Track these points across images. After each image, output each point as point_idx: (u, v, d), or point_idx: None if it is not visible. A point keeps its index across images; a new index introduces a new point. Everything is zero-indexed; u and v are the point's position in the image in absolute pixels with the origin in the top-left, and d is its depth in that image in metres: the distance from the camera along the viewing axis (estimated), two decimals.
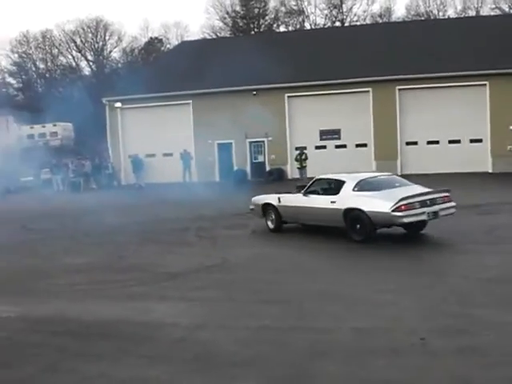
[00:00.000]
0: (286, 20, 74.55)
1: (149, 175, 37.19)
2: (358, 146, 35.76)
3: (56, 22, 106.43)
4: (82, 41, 76.74)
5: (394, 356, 7.05)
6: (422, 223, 14.63)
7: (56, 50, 77.91)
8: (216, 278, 11.62)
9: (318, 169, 26.07)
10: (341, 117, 35.32)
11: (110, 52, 78.35)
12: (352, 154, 35.29)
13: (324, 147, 36.25)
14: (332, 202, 14.93)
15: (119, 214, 23.04)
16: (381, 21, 68.75)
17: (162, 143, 38.01)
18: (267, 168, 36.82)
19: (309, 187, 16.29)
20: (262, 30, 72.22)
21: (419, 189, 14.83)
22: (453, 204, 14.58)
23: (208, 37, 69.62)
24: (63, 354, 7.80)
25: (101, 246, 16.41)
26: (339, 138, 36.11)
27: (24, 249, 16.53)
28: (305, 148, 33.60)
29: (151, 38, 78.47)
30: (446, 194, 14.59)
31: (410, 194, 14.06)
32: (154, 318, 9.12)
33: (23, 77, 78.92)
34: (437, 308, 8.82)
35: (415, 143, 34.92)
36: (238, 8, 74.04)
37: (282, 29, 72.83)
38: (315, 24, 72.26)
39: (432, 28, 40.11)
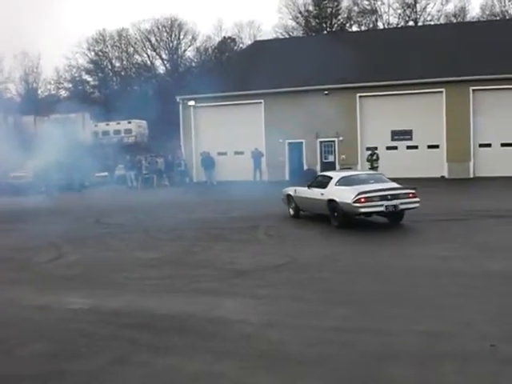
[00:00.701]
0: (359, 19, 73.93)
1: (220, 173, 37.59)
2: (429, 147, 35.24)
3: (132, 21, 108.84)
4: (156, 40, 77.95)
5: (463, 362, 6.93)
6: (399, 215, 17.46)
7: (131, 49, 79.43)
8: (284, 277, 11.64)
9: (389, 169, 25.85)
10: (413, 117, 34.89)
11: (184, 51, 79.33)
12: (423, 155, 34.84)
13: (395, 148, 35.87)
14: (321, 194, 18.18)
15: (190, 210, 23.47)
16: (455, 20, 67.36)
17: (234, 141, 38.36)
18: (337, 168, 36.69)
19: (312, 181, 19.80)
20: (334, 29, 71.77)
21: (386, 185, 17.48)
22: (416, 200, 17.05)
23: (280, 36, 69.66)
24: (133, 346, 7.92)
25: (172, 241, 16.70)
26: (411, 139, 35.65)
27: (98, 242, 16.92)
28: (376, 148, 33.32)
29: (224, 37, 79.05)
30: (412, 192, 17.12)
31: (371, 189, 16.90)
32: (223, 314, 9.21)
33: (99, 74, 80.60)
34: (508, 313, 8.67)
35: (489, 145, 34.18)
36: (310, 7, 73.88)
37: (355, 28, 72.25)
38: (388, 23, 71.39)
39: (507, 28, 39.12)
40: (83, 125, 56.00)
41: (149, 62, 79.57)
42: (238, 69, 40.41)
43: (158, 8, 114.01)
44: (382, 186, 17.30)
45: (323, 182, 18.67)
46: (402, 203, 16.75)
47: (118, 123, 58.47)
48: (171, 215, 22.17)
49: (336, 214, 17.40)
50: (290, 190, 20.72)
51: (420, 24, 67.66)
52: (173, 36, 77.50)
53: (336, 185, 17.84)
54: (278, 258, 13.46)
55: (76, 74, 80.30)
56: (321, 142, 37.53)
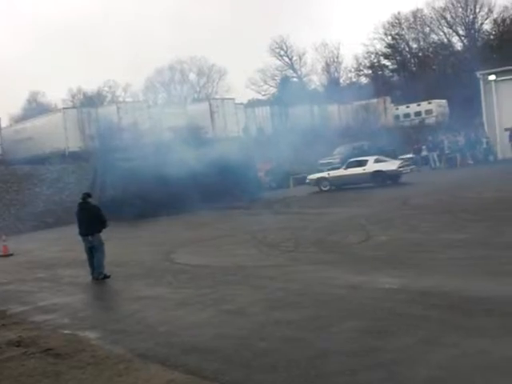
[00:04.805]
0: None
1: None
2: None
3: (426, 1, 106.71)
4: (452, 16, 75.85)
5: None
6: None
7: (427, 29, 78.32)
8: None
9: None
10: None
11: (481, 24, 75.98)
12: None
13: None
14: (364, 170, 29.37)
15: (496, 189, 22.61)
16: None
17: None
18: None
19: (347, 165, 30.63)
20: None
21: (401, 159, 32.55)
22: (411, 167, 31.22)
23: None
24: (443, 327, 7.93)
25: (478, 221, 16.29)
26: None
27: (405, 224, 17.19)
28: None
29: None
30: (407, 163, 31.38)
31: (400, 161, 30.90)
32: None
33: (397, 58, 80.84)
34: None
35: None
36: None
37: None
38: None
39: None
40: (385, 109, 56.98)
41: (445, 40, 77.83)
42: None
43: None
44: (401, 160, 31.99)
45: (360, 163, 29.96)
46: (410, 169, 30.77)
47: (419, 105, 58.44)
48: (476, 195, 21.63)
49: (380, 179, 28.90)
50: (323, 174, 31.75)
51: None
52: (468, 11, 74.78)
53: (374, 162, 29.56)
54: None
55: (375, 60, 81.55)
56: None
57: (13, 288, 15.03)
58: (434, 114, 57.21)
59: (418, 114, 58.08)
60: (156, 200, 25.94)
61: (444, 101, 58.12)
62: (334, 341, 7.94)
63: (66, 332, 10.00)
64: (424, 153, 39.19)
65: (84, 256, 14.90)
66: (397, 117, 59.11)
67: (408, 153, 40.68)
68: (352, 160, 31.03)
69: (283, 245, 16.08)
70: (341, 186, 30.35)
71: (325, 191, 30.67)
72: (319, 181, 31.27)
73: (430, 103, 57.73)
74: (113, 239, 20.63)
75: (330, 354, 7.49)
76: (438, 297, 9.34)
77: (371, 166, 29.42)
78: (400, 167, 29.52)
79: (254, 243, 16.95)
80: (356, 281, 10.94)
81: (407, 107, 59.46)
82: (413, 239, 14.77)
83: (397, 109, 59.83)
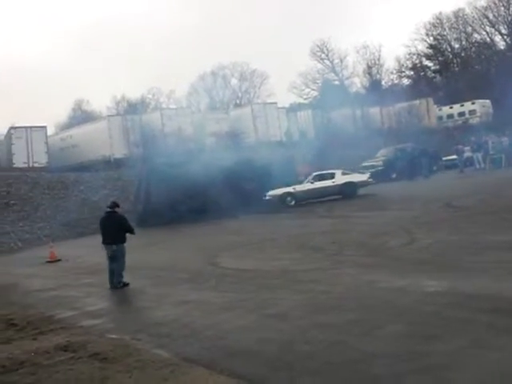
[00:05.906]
0: None
1: None
2: None
3: (468, 0, 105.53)
4: (494, 15, 74.86)
5: None
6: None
7: (469, 28, 77.38)
8: None
9: None
10: None
11: None
12: None
13: None
14: (333, 182, 30.38)
15: None
16: None
17: None
18: None
19: (312, 178, 30.91)
20: None
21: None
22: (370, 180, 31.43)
23: None
24: (491, 330, 7.78)
25: None
26: None
27: (449, 226, 16.95)
28: None
29: None
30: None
31: (367, 174, 32.14)
32: None
33: (439, 58, 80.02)
34: None
35: None
36: None
37: None
38: None
39: None
40: (427, 110, 56.50)
41: (488, 39, 76.81)
42: None
43: None
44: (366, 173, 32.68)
45: (327, 176, 30.95)
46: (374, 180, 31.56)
47: (462, 105, 57.82)
48: None
49: (349, 190, 29.93)
50: (288, 189, 30.77)
51: None
52: (510, 9, 73.71)
53: (342, 175, 30.69)
54: None
55: (416, 61, 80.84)
56: None
57: (60, 293, 15.29)
58: (478, 114, 56.46)
59: (461, 114, 57.45)
60: (198, 205, 26.21)
61: (488, 101, 57.34)
62: (379, 344, 7.86)
63: (112, 336, 10.14)
64: (467, 154, 38.69)
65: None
66: (440, 118, 58.62)
67: (452, 154, 40.31)
68: (317, 174, 31.39)
69: (326, 248, 16.05)
70: (307, 199, 30.55)
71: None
72: (283, 196, 30.69)
73: (473, 103, 57.01)
74: (156, 244, 21.05)
75: (374, 357, 7.41)
76: (484, 299, 9.18)
77: (340, 178, 30.57)
78: (369, 178, 31.12)
79: (297, 247, 16.97)
80: (400, 284, 10.84)
81: (450, 108, 58.92)
82: (458, 241, 14.53)
83: (440, 110, 59.34)
